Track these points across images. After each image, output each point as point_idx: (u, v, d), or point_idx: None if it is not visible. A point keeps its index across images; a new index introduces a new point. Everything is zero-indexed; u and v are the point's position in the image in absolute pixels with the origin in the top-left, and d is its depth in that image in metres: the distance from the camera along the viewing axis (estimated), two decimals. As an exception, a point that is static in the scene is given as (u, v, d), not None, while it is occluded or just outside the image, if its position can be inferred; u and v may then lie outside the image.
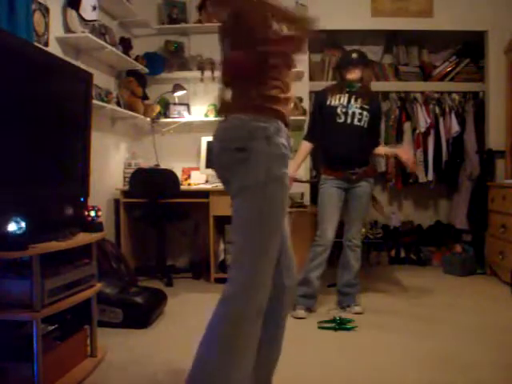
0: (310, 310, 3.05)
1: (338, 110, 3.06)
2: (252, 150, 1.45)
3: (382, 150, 3.28)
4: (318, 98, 3.24)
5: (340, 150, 3.06)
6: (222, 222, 3.96)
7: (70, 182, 2.34)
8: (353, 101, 3.07)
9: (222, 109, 1.67)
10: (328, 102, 3.11)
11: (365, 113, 3.04)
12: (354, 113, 3.04)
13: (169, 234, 4.34)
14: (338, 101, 3.09)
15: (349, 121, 3.04)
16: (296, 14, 1.62)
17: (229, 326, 1.43)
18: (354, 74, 3.08)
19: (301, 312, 2.98)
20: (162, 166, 4.20)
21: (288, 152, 1.53)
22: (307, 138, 3.23)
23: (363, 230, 4.58)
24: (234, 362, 1.43)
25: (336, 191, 3.08)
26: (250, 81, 1.52)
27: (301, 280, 3.04)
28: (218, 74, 4.29)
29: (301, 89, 4.32)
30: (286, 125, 1.57)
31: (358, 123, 3.03)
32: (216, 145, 1.57)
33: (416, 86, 4.59)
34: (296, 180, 3.28)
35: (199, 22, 4.34)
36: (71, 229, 2.15)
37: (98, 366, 2.23)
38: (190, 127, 4.45)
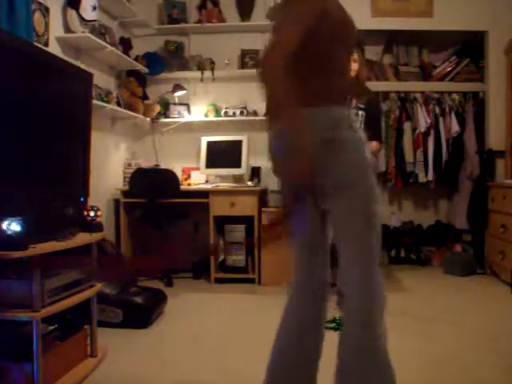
0: None
1: None
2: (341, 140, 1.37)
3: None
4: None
5: None
6: (222, 221, 3.96)
7: (69, 181, 2.34)
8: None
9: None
10: None
11: (360, 112, 3.03)
12: None
13: (169, 234, 4.33)
14: None
15: None
16: None
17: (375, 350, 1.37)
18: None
19: None
20: (162, 166, 4.21)
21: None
22: None
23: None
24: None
25: None
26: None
27: None
28: (217, 74, 4.31)
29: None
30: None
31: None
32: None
33: (416, 86, 4.59)
34: None
35: (199, 21, 4.34)
36: (71, 229, 2.14)
37: (98, 366, 2.23)
38: (190, 127, 4.45)
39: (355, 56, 3.07)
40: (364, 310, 1.37)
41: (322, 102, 1.39)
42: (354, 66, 3.05)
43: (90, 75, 2.50)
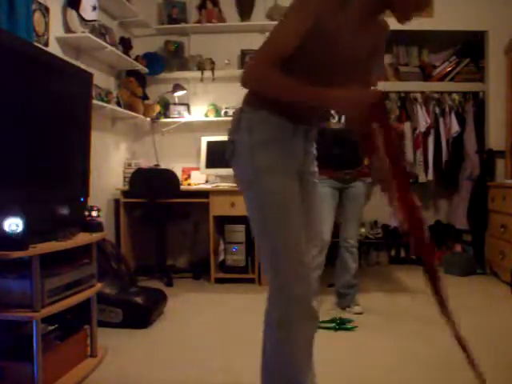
0: None
1: (331, 110, 3.06)
2: (235, 143, 1.43)
3: None
4: None
5: (333, 150, 3.04)
6: (222, 221, 3.96)
7: (70, 181, 2.34)
8: None
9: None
10: None
11: None
12: None
13: (169, 234, 4.34)
14: None
15: (342, 120, 3.04)
16: None
17: (278, 332, 1.39)
18: None
19: None
20: (162, 166, 4.21)
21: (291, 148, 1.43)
22: None
23: (363, 230, 4.59)
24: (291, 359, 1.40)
25: (330, 191, 3.08)
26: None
27: None
28: (217, 74, 4.31)
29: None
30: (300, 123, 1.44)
31: None
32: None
33: (416, 86, 4.59)
34: None
35: (199, 22, 4.34)
36: (71, 229, 2.14)
37: (98, 366, 2.23)
38: (190, 127, 4.45)
39: None
40: (271, 312, 1.41)
41: (254, 104, 1.45)
42: None
43: (90, 75, 2.50)
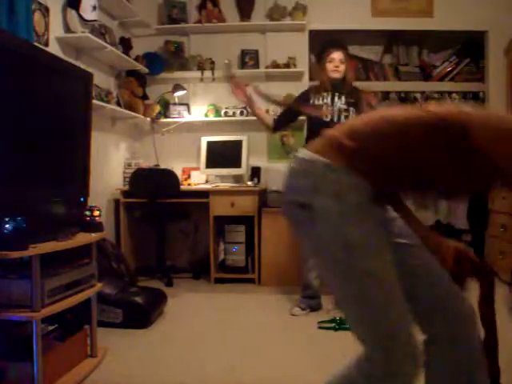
0: (314, 309, 3.07)
1: (324, 109, 3.05)
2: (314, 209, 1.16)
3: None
4: (301, 96, 3.23)
5: None
6: (222, 221, 3.96)
7: (70, 181, 2.34)
8: (336, 98, 3.06)
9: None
10: (311, 102, 3.09)
11: (351, 108, 3.04)
12: (339, 109, 3.03)
13: (169, 234, 4.34)
14: (321, 100, 3.07)
15: (335, 118, 3.03)
16: None
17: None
18: (336, 55, 3.04)
19: (296, 310, 3.07)
20: (162, 166, 4.20)
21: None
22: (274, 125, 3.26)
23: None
24: None
25: None
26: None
27: (302, 283, 3.10)
28: (217, 74, 4.31)
29: (301, 89, 4.30)
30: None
31: (346, 120, 3.01)
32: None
33: (416, 86, 4.58)
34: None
35: (199, 21, 4.34)
36: (71, 229, 2.14)
37: (98, 366, 2.23)
38: (190, 127, 4.45)
39: (341, 57, 3.08)
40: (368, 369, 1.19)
41: (341, 161, 1.17)
42: (341, 67, 3.06)
43: (90, 75, 2.50)
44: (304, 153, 1.24)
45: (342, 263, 1.16)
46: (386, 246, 1.21)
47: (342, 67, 3.07)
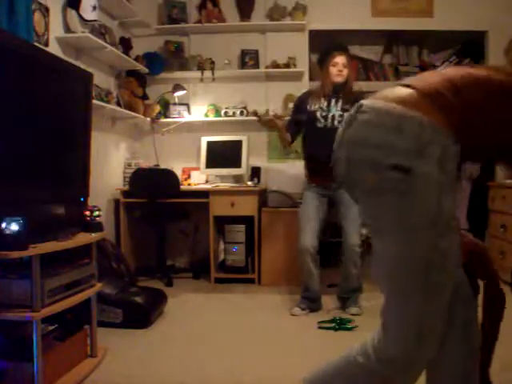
0: (314, 310, 3.08)
1: (318, 115, 3.03)
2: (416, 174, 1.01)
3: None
4: (299, 100, 3.22)
5: (320, 156, 2.89)
6: (222, 221, 3.96)
7: (70, 181, 2.34)
8: (333, 103, 3.04)
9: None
10: (308, 107, 3.08)
11: (346, 114, 2.99)
12: (333, 116, 3.01)
13: (169, 234, 4.34)
14: (317, 105, 3.06)
15: (329, 125, 3.01)
16: None
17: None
18: (339, 59, 3.04)
19: (296, 310, 3.07)
20: (162, 166, 4.20)
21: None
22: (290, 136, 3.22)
23: (363, 230, 4.58)
24: None
25: (317, 198, 3.09)
26: None
27: (302, 283, 3.10)
28: (217, 74, 4.31)
29: (301, 89, 4.31)
30: None
31: (339, 126, 2.98)
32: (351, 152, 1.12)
33: (416, 86, 4.59)
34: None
35: (199, 21, 4.34)
36: (71, 229, 2.15)
37: (98, 366, 2.23)
38: (190, 127, 4.45)
39: (344, 61, 3.06)
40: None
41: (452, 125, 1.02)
42: (345, 72, 3.05)
43: (90, 75, 2.50)
44: (386, 104, 1.07)
45: (425, 238, 1.02)
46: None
47: (346, 71, 3.06)
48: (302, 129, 3.21)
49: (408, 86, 1.10)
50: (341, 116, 2.98)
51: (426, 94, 1.05)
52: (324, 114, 3.02)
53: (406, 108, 1.03)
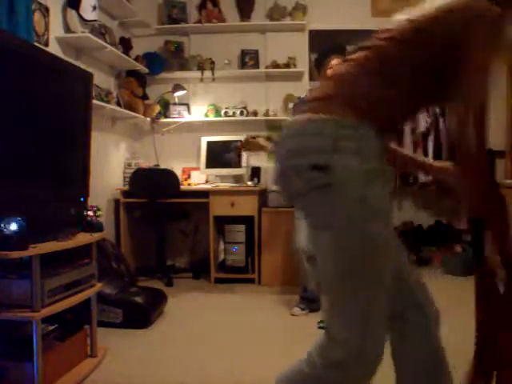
0: (314, 310, 3.08)
1: None
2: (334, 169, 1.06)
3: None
4: (296, 107, 3.22)
5: None
6: (222, 221, 3.96)
7: (70, 181, 2.34)
8: None
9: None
10: None
11: None
12: None
13: (169, 234, 4.34)
14: None
15: None
16: None
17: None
18: (336, 61, 3.01)
19: (296, 310, 3.08)
20: (162, 166, 4.21)
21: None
22: None
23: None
24: None
25: None
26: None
27: (301, 283, 3.11)
28: (217, 74, 4.31)
29: (301, 89, 4.31)
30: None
31: None
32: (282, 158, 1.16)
33: (416, 86, 4.59)
34: None
35: (199, 21, 4.34)
36: (71, 229, 2.15)
37: (98, 366, 2.23)
38: (190, 127, 4.45)
39: (340, 61, 3.06)
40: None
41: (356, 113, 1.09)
42: None
43: (90, 75, 2.50)
44: (301, 116, 1.16)
45: (354, 227, 1.06)
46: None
47: None
48: None
49: (312, 97, 1.22)
50: None
51: (330, 97, 1.16)
52: None
53: (316, 114, 1.12)
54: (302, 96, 3.48)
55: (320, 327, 2.78)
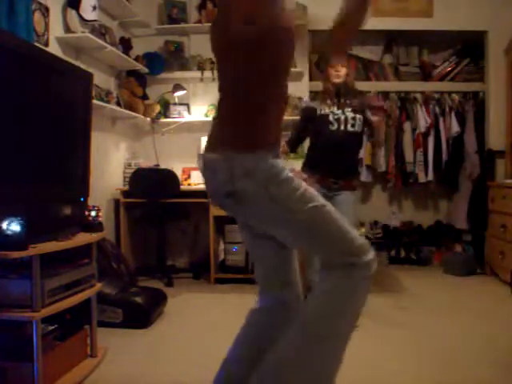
0: None
1: (330, 118, 2.99)
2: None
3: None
4: (307, 113, 3.14)
5: (328, 157, 2.96)
6: (222, 221, 3.96)
7: (70, 181, 2.34)
8: (343, 106, 3.01)
9: None
10: (318, 112, 3.03)
11: (358, 116, 2.97)
12: (346, 118, 2.96)
13: (169, 234, 4.34)
14: (328, 108, 3.02)
15: (342, 127, 2.96)
16: None
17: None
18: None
19: None
20: (162, 166, 4.21)
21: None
22: (288, 147, 3.21)
23: (363, 230, 4.60)
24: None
25: None
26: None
27: (303, 284, 3.10)
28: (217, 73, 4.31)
29: (301, 89, 4.31)
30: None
31: (352, 129, 2.94)
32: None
33: (416, 86, 4.59)
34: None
35: (199, 21, 4.34)
36: (71, 229, 2.15)
37: (98, 366, 2.23)
38: (189, 127, 4.45)
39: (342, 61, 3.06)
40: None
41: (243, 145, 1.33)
42: (342, 71, 3.04)
43: (90, 75, 2.50)
44: (210, 155, 1.45)
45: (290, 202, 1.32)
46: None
47: (343, 70, 3.05)
48: (305, 139, 3.24)
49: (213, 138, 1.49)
50: (353, 119, 2.94)
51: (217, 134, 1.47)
52: (336, 116, 2.99)
53: (216, 152, 1.40)
54: (305, 98, 3.48)
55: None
